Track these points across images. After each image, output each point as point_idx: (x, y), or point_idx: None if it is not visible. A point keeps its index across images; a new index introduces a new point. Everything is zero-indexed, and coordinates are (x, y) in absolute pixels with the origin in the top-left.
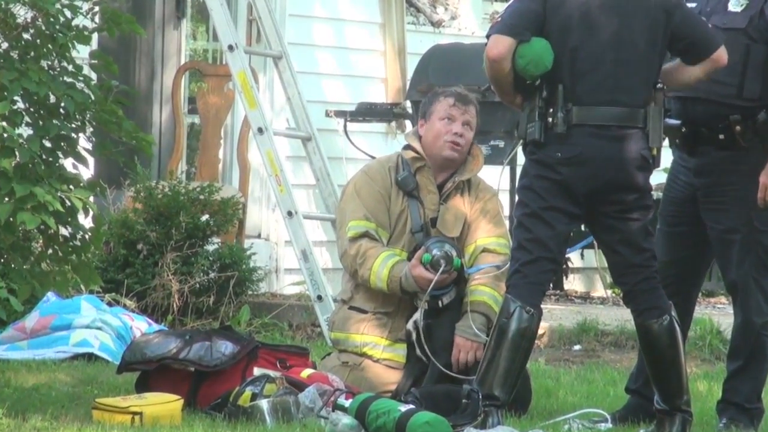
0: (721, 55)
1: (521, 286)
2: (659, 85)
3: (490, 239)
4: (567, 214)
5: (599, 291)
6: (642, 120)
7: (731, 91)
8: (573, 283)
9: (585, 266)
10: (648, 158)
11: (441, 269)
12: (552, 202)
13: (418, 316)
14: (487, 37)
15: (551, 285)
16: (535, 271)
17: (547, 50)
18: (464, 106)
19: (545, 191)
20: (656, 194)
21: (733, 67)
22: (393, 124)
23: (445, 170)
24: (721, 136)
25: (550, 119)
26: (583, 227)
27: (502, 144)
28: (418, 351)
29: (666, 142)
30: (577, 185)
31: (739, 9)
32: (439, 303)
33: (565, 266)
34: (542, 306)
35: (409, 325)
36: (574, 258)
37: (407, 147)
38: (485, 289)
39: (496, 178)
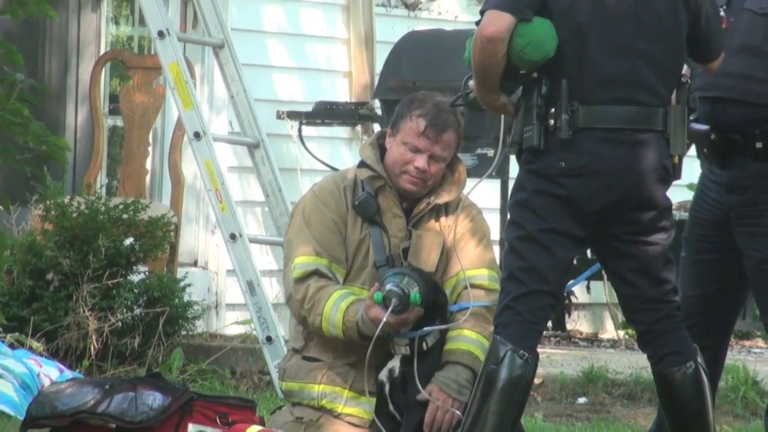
0: (718, 63)
1: (513, 326)
2: (683, 80)
3: (475, 271)
4: (570, 237)
5: (609, 332)
6: (662, 122)
7: None
8: (577, 323)
9: (592, 302)
10: (669, 169)
11: (390, 308)
12: (552, 223)
13: (394, 363)
14: (482, 13)
15: (550, 324)
16: (529, 307)
17: (551, 33)
18: (437, 134)
19: (544, 209)
20: (679, 214)
21: None
22: (358, 128)
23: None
24: (759, 145)
25: (552, 121)
26: (588, 253)
27: (491, 152)
28: (390, 407)
29: (693, 151)
30: (584, 202)
31: None
32: (424, 345)
33: (567, 302)
34: (539, 350)
35: (383, 375)
36: (579, 292)
37: (362, 164)
38: (470, 335)
39: (484, 193)
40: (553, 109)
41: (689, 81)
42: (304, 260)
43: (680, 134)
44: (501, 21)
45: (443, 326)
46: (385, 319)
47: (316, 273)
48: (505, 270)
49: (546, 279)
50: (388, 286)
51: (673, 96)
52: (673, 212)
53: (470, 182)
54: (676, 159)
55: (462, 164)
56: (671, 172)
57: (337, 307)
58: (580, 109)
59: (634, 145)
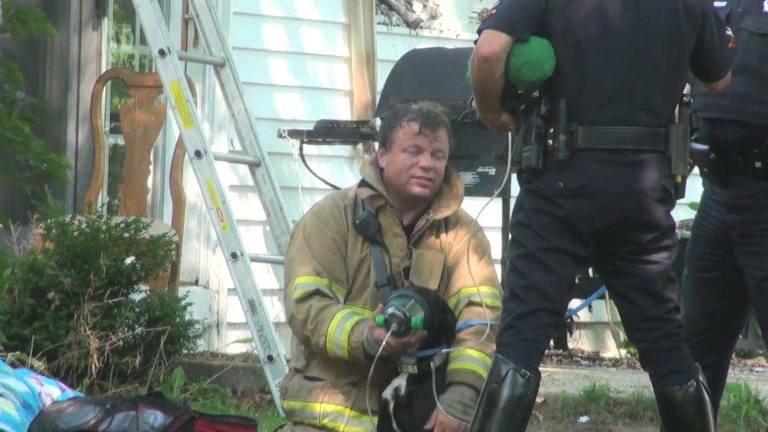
0: (725, 83)
1: (515, 344)
2: (685, 99)
3: (475, 289)
4: (571, 256)
5: (611, 351)
6: (663, 142)
7: (766, 111)
8: (579, 341)
9: (594, 320)
10: (670, 189)
11: (390, 331)
12: (553, 242)
13: (401, 382)
14: (479, 32)
15: (552, 343)
16: (531, 325)
17: (549, 53)
18: (433, 131)
19: (544, 228)
20: (681, 232)
21: None
22: (359, 146)
23: (415, 208)
24: (758, 164)
25: (550, 141)
26: (591, 272)
27: (493, 171)
28: (394, 425)
29: (696, 170)
30: (581, 222)
31: None
32: (431, 365)
33: (569, 320)
34: (541, 369)
35: (388, 393)
36: (581, 311)
37: (362, 183)
38: (473, 354)
39: (486, 212)
40: (551, 129)
41: (691, 100)
42: (304, 280)
43: (682, 154)
44: (497, 41)
45: (447, 350)
46: (384, 342)
47: (317, 293)
48: (507, 289)
49: (548, 297)
50: (390, 310)
51: (676, 115)
52: (676, 231)
53: (474, 201)
54: (679, 178)
55: (459, 179)
56: (672, 192)
57: (341, 327)
58: (579, 129)
59: (634, 166)
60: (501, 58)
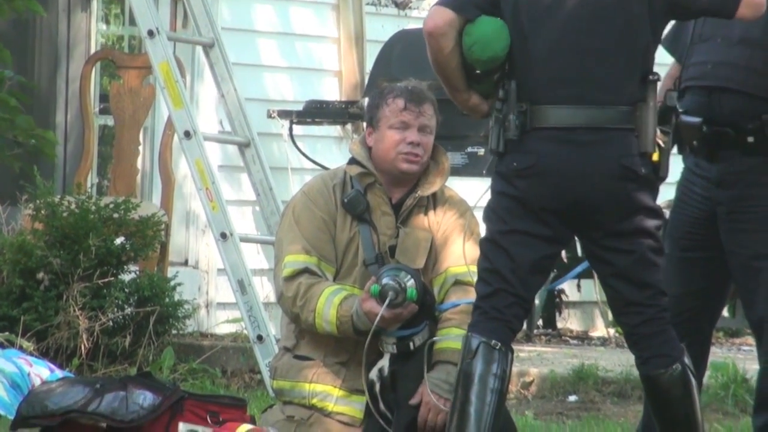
0: (749, 4)
1: (482, 323)
2: (652, 77)
3: (462, 268)
4: (535, 236)
5: (599, 330)
6: (626, 120)
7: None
8: (568, 321)
9: (582, 300)
10: (636, 168)
11: (386, 302)
12: (513, 225)
13: (384, 362)
14: None
15: (540, 323)
16: (494, 305)
17: (500, 33)
18: (418, 106)
19: (505, 211)
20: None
21: None
22: (348, 126)
23: (403, 185)
24: (751, 139)
25: (507, 123)
26: (579, 250)
27: (481, 151)
28: (381, 406)
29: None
30: (535, 202)
31: None
32: (411, 345)
33: (558, 300)
34: (531, 348)
35: (373, 374)
36: (570, 290)
37: (352, 161)
38: (458, 332)
39: (476, 192)
40: (507, 111)
41: (659, 78)
42: (293, 258)
43: (650, 133)
44: (441, 16)
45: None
46: (381, 313)
47: (306, 271)
48: (477, 272)
49: (507, 280)
50: (385, 280)
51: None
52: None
53: (464, 182)
54: (656, 157)
55: (446, 156)
56: (643, 172)
57: (330, 302)
58: (529, 109)
59: (588, 145)
60: (446, 33)
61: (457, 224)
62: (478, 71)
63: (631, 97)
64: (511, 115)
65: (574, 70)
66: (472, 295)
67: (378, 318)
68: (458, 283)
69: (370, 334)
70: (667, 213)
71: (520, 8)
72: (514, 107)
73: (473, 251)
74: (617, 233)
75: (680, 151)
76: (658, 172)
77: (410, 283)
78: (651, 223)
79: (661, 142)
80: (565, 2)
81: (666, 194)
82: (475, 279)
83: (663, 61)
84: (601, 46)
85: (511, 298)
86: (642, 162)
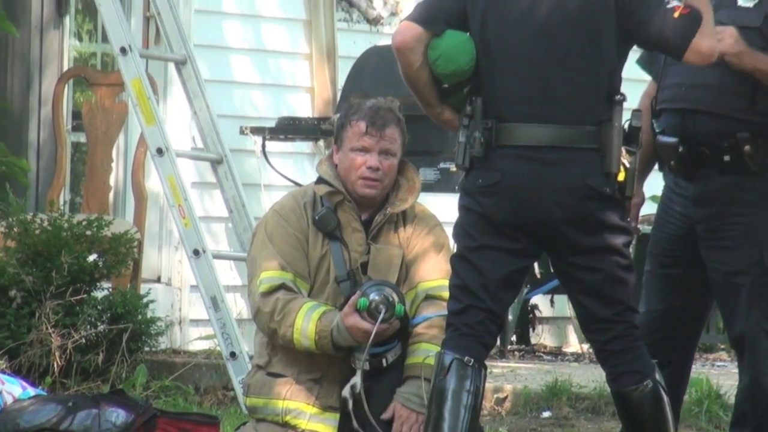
0: (697, 55)
1: (455, 339)
2: (618, 97)
3: (433, 282)
4: (504, 251)
5: (573, 345)
6: (591, 140)
7: (742, 103)
8: (541, 336)
9: (556, 315)
10: (600, 188)
11: (380, 317)
12: (482, 240)
13: (356, 379)
14: None
15: (514, 338)
16: (466, 321)
17: (465, 47)
18: (379, 131)
19: (473, 227)
20: (642, 227)
21: (744, 75)
22: (321, 143)
23: (371, 204)
24: (727, 158)
25: (472, 139)
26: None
27: (454, 167)
28: (354, 423)
29: (655, 166)
30: (498, 219)
31: (750, 4)
32: (383, 362)
33: (531, 316)
34: (504, 364)
35: (345, 391)
36: (543, 306)
37: (319, 180)
38: (429, 347)
39: (449, 208)
40: (471, 127)
41: (625, 99)
42: (270, 275)
43: (615, 153)
44: (408, 31)
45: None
46: (375, 328)
47: (282, 287)
48: (449, 289)
49: (477, 296)
50: (373, 295)
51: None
52: (638, 226)
53: (437, 197)
54: (622, 176)
55: (417, 173)
56: (608, 191)
57: (309, 317)
58: (494, 126)
59: (551, 164)
60: (413, 48)
61: (427, 239)
62: (445, 85)
63: (596, 116)
64: (477, 131)
65: (540, 88)
66: (443, 309)
67: (372, 335)
68: (429, 297)
69: (367, 353)
70: (642, 227)
71: (487, 24)
72: (479, 124)
73: (444, 265)
74: (584, 250)
75: (661, 169)
76: (624, 192)
77: (396, 298)
78: (618, 240)
79: (626, 162)
80: (531, 20)
81: (644, 210)
82: (445, 293)
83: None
84: (566, 66)
85: (482, 313)
86: (606, 181)
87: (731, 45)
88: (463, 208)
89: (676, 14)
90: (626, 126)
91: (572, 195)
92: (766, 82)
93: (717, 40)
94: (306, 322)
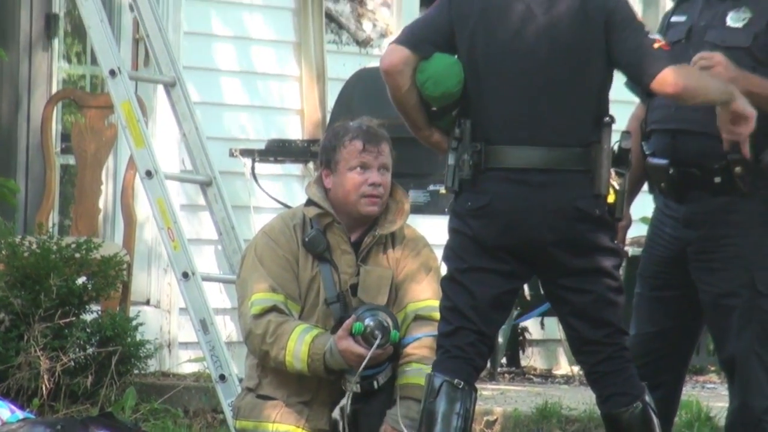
0: (666, 77)
1: (444, 362)
2: (606, 119)
3: (422, 303)
4: (495, 272)
5: (563, 368)
6: (580, 162)
7: None
8: (531, 359)
9: (546, 338)
10: (590, 210)
11: (377, 342)
12: (471, 262)
13: (346, 401)
14: None
15: (504, 361)
16: (456, 343)
17: (453, 69)
18: (377, 146)
19: (462, 249)
20: (632, 249)
21: None
22: (311, 165)
23: (362, 225)
24: (717, 179)
25: (461, 162)
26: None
27: (443, 189)
28: None
29: (645, 187)
30: (488, 241)
31: (740, 24)
32: (374, 384)
33: (521, 338)
34: (494, 386)
35: (335, 413)
36: (533, 328)
37: (309, 202)
38: (419, 367)
39: (438, 230)
40: (460, 149)
41: (614, 121)
42: (261, 296)
43: (604, 175)
44: (396, 54)
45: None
46: (370, 353)
47: (274, 309)
48: (439, 311)
49: (467, 318)
50: (368, 320)
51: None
52: (626, 248)
53: (426, 219)
54: (612, 198)
55: (405, 195)
56: (598, 213)
57: (302, 339)
58: (483, 149)
59: (540, 186)
60: (401, 71)
61: (416, 261)
62: (434, 108)
63: (584, 139)
64: (466, 154)
65: (528, 111)
66: (432, 329)
67: (366, 359)
68: (419, 318)
69: (358, 376)
70: (631, 249)
71: (475, 47)
72: (468, 146)
73: (433, 286)
74: (574, 272)
75: (650, 191)
76: (614, 214)
77: (391, 323)
78: (608, 262)
79: (615, 184)
80: (519, 43)
81: (634, 231)
82: (435, 313)
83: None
84: (554, 88)
85: (472, 335)
86: (596, 203)
87: (723, 72)
88: (453, 230)
89: (656, 45)
90: (615, 148)
91: (562, 217)
92: (759, 103)
93: (706, 67)
94: (299, 344)
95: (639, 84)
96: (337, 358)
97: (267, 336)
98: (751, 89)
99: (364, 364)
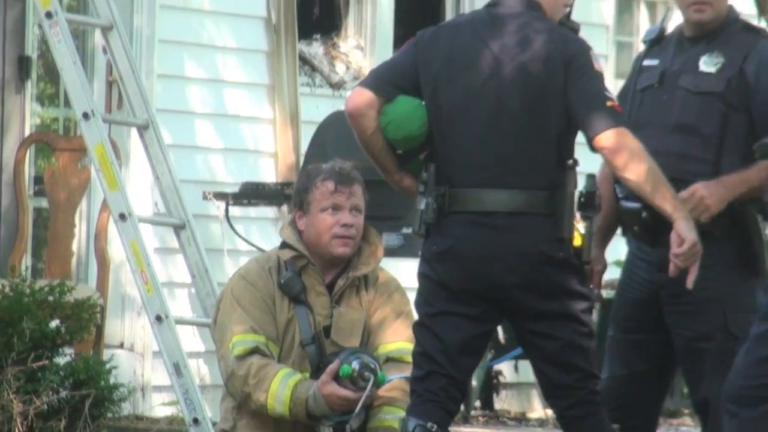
0: (609, 138)
1: (418, 406)
2: (570, 162)
3: (393, 345)
4: (463, 316)
5: (537, 411)
6: (545, 205)
7: (706, 169)
8: (505, 402)
9: (520, 381)
10: (554, 253)
11: (370, 383)
12: (439, 306)
13: None
14: None
15: (478, 404)
16: (428, 387)
17: (416, 113)
18: (348, 187)
19: (431, 294)
20: (606, 292)
21: (707, 140)
22: (284, 208)
23: (335, 266)
24: None
25: (426, 206)
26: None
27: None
28: None
29: (619, 231)
30: (453, 285)
31: (713, 69)
32: (347, 429)
33: (495, 381)
34: (468, 429)
35: None
36: (507, 371)
37: (283, 245)
38: (392, 410)
39: (412, 273)
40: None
41: (577, 164)
42: (242, 338)
43: (567, 218)
44: (359, 97)
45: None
46: (365, 395)
47: (256, 350)
48: (412, 357)
49: (438, 362)
50: (354, 364)
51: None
52: (601, 291)
53: (401, 262)
54: (578, 242)
55: (379, 237)
56: (563, 256)
57: (284, 384)
58: (447, 192)
59: (503, 229)
60: (365, 114)
61: (388, 304)
62: (399, 151)
63: (548, 182)
64: (430, 198)
65: (492, 154)
66: (405, 372)
67: (361, 403)
68: (390, 360)
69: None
70: (605, 293)
71: (438, 91)
72: (433, 190)
73: (405, 330)
74: (542, 316)
75: (623, 234)
76: (581, 257)
77: (378, 365)
78: (577, 306)
79: (580, 228)
80: (482, 87)
81: (608, 275)
82: (407, 356)
83: None
84: (518, 132)
85: (444, 379)
86: (560, 247)
87: (710, 203)
88: (421, 275)
89: (609, 103)
90: (582, 191)
91: (525, 260)
92: (749, 195)
93: (688, 203)
94: (282, 388)
95: (584, 135)
96: (321, 403)
97: (249, 378)
98: (736, 193)
99: (360, 403)
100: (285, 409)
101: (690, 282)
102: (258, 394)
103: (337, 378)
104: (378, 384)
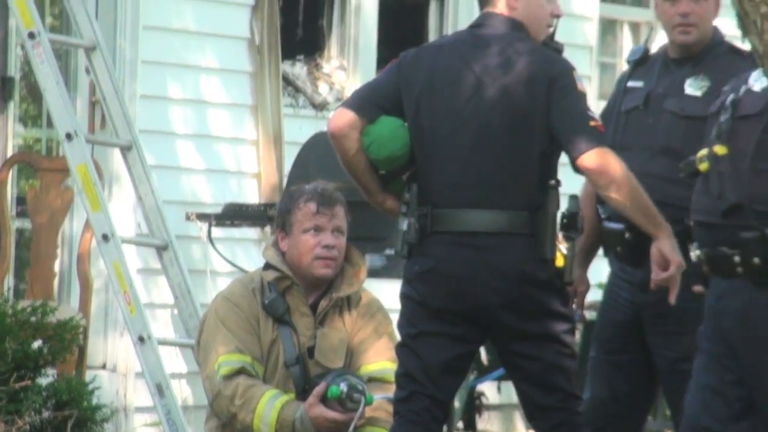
0: (593, 159)
1: (401, 426)
2: (552, 182)
3: (375, 366)
4: (446, 336)
5: None
6: (528, 225)
7: (690, 193)
8: (488, 423)
9: (502, 402)
10: (538, 273)
11: (362, 404)
12: (421, 327)
13: None
14: None
15: (461, 425)
16: (410, 408)
17: (398, 133)
18: (330, 209)
19: (412, 314)
20: (589, 313)
21: (693, 163)
22: (268, 229)
23: (318, 288)
24: None
25: (408, 226)
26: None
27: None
28: None
29: (600, 252)
30: (434, 305)
31: (699, 93)
32: None
33: (478, 402)
34: None
35: None
36: (490, 392)
37: (267, 266)
38: (375, 430)
39: (395, 294)
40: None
41: (560, 184)
42: (228, 358)
43: (548, 238)
44: (341, 118)
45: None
46: (357, 416)
47: (242, 371)
48: (395, 378)
49: (420, 383)
50: (342, 385)
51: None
52: (584, 312)
53: (384, 283)
54: (561, 262)
55: (362, 258)
56: (540, 276)
57: (271, 405)
58: (430, 213)
59: (485, 249)
60: (347, 134)
61: (370, 324)
62: (382, 171)
63: (529, 202)
64: (413, 218)
65: (474, 174)
66: (386, 392)
67: (353, 425)
68: (372, 380)
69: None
70: (588, 314)
71: (421, 111)
72: (415, 210)
73: (387, 350)
74: (523, 337)
75: (606, 255)
76: (563, 278)
77: (365, 388)
78: (559, 327)
79: (563, 248)
80: (465, 108)
81: (591, 296)
82: (389, 376)
83: None
84: (500, 153)
85: (426, 400)
86: (543, 267)
87: (680, 258)
88: (403, 296)
89: (592, 123)
90: (565, 212)
91: (507, 280)
92: None
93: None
94: (268, 409)
95: (567, 155)
96: (308, 426)
97: (236, 398)
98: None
99: (353, 426)
100: (271, 430)
101: (672, 298)
102: (244, 415)
103: (324, 400)
104: (367, 404)
